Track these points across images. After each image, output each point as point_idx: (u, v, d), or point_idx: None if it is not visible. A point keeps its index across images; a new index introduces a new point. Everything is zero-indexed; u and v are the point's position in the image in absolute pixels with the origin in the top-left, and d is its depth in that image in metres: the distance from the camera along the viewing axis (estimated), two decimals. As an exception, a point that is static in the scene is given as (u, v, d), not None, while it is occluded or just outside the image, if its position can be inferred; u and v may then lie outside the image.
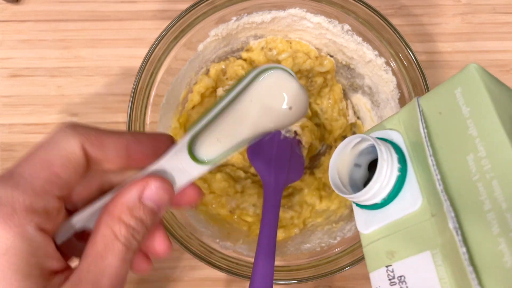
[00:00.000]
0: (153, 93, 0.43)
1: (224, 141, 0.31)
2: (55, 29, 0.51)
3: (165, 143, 0.31)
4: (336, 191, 0.26)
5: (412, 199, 0.24)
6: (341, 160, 0.26)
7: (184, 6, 0.43)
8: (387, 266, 0.25)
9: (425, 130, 0.23)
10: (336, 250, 0.43)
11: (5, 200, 0.24)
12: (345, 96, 0.50)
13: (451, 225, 0.21)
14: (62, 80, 0.51)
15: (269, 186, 0.44)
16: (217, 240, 0.44)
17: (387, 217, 0.24)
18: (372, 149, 0.26)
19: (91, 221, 0.30)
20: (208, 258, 0.42)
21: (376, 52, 0.44)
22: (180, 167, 0.31)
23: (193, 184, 0.31)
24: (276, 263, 0.41)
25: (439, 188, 0.22)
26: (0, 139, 0.50)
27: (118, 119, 0.50)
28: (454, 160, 0.22)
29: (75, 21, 0.51)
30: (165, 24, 0.42)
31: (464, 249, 0.20)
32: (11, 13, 0.51)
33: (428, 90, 0.41)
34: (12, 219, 0.24)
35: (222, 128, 0.31)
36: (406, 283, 0.23)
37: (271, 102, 0.30)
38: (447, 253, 0.22)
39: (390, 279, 0.24)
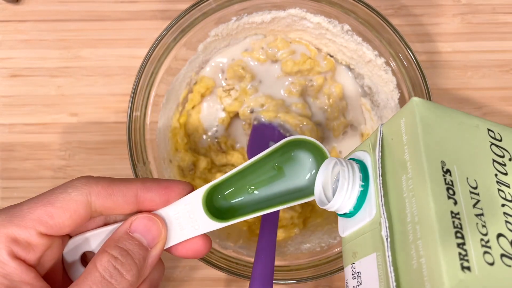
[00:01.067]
0: (153, 93, 0.43)
1: (246, 204, 0.32)
2: (55, 29, 0.51)
3: (179, 191, 0.31)
4: (318, 203, 0.30)
5: (370, 210, 0.28)
6: (324, 178, 0.30)
7: (184, 6, 0.43)
8: (351, 264, 0.29)
9: (380, 154, 0.28)
10: (336, 250, 0.43)
11: None
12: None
13: (383, 233, 0.26)
14: (62, 80, 0.51)
15: None
16: (217, 240, 0.44)
17: (355, 224, 0.29)
18: None
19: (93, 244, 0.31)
20: (208, 258, 0.42)
21: (376, 52, 0.44)
22: (191, 216, 0.31)
23: (203, 235, 0.32)
24: (276, 262, 0.41)
25: (381, 202, 0.26)
26: (0, 139, 0.50)
27: (118, 119, 0.50)
28: (395, 180, 0.26)
29: (75, 21, 0.51)
30: (165, 24, 0.42)
31: (389, 253, 0.25)
32: (11, 13, 0.51)
33: (428, 90, 0.41)
34: None
35: (244, 191, 0.32)
36: (361, 278, 0.28)
37: (298, 178, 0.32)
38: (383, 256, 0.26)
39: (352, 274, 0.29)
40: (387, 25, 0.42)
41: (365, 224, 0.28)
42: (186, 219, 0.31)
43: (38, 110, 0.51)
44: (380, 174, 0.27)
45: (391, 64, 0.43)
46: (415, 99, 0.26)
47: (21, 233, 0.27)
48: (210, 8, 0.42)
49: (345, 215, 0.29)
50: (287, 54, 0.48)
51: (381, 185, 0.27)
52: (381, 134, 0.28)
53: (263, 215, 0.41)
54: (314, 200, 0.48)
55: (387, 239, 0.25)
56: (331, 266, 0.42)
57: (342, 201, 0.28)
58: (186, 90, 0.48)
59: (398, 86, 0.43)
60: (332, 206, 0.29)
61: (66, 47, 0.51)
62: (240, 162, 0.49)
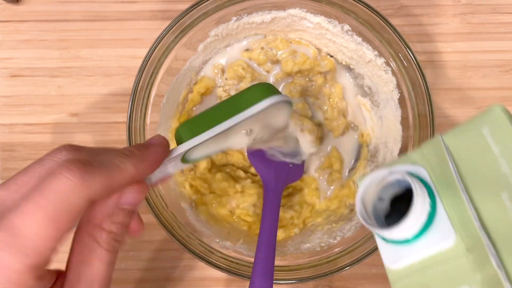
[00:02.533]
0: (153, 93, 0.43)
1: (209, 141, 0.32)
2: (55, 29, 0.51)
3: (164, 149, 0.31)
4: (364, 224, 0.26)
5: (443, 234, 0.24)
6: (366, 193, 0.26)
7: (184, 6, 0.43)
8: None
9: (455, 168, 0.24)
10: (336, 250, 0.43)
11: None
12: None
13: (494, 262, 0.22)
14: (63, 80, 0.51)
15: (269, 185, 0.44)
16: (217, 240, 0.44)
17: (418, 252, 0.25)
18: (396, 183, 0.26)
19: None
20: (208, 258, 0.42)
21: (376, 52, 0.44)
22: (167, 165, 0.32)
23: (138, 218, 0.32)
24: (276, 262, 0.41)
25: (477, 224, 0.23)
26: (0, 139, 0.50)
27: (119, 119, 0.50)
28: (488, 197, 0.23)
29: (75, 21, 0.51)
30: (165, 24, 0.42)
31: (508, 285, 0.21)
32: (11, 13, 0.52)
33: (428, 90, 0.41)
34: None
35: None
36: None
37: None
38: None
39: None
40: (387, 25, 0.42)
41: (438, 252, 0.24)
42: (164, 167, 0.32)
43: (39, 110, 0.51)
44: (464, 190, 0.24)
45: (391, 64, 0.43)
46: (499, 106, 0.24)
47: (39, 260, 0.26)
48: (210, 8, 0.42)
49: (399, 241, 0.25)
50: (287, 54, 0.48)
51: (470, 203, 0.23)
52: (447, 146, 0.25)
53: (262, 217, 0.41)
54: (313, 200, 0.48)
55: (500, 268, 0.21)
56: (331, 266, 0.42)
57: (412, 223, 0.24)
58: (186, 90, 0.48)
59: (398, 86, 0.43)
60: (400, 230, 0.24)
61: (66, 47, 0.51)
62: (240, 162, 0.49)
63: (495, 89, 0.52)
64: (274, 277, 0.39)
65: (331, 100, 0.49)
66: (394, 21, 0.42)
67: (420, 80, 0.42)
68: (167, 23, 0.42)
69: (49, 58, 0.51)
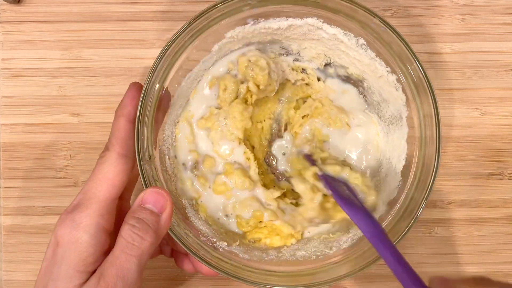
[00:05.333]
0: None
1: None
2: (57, 30, 0.51)
3: None
4: None
5: None
6: None
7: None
8: None
9: None
10: (333, 259, 0.43)
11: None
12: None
13: None
14: (64, 81, 0.51)
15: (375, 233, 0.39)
16: (214, 239, 0.44)
17: None
18: None
19: None
20: (206, 257, 0.42)
21: (388, 69, 0.43)
22: None
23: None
24: (272, 268, 0.41)
25: None
26: (1, 139, 0.51)
27: (119, 120, 0.51)
28: None
29: (76, 22, 0.51)
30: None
31: None
32: (12, 14, 0.51)
33: (437, 113, 0.41)
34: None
35: None
36: None
37: None
38: None
39: None
40: (402, 43, 0.41)
41: None
42: None
43: (40, 111, 0.51)
44: None
45: (402, 81, 0.42)
46: None
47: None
48: (228, 10, 0.41)
49: None
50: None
51: None
52: None
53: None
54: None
55: None
56: (327, 275, 0.42)
57: None
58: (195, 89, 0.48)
59: (408, 104, 0.43)
60: None
61: (68, 48, 0.51)
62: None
63: (493, 90, 0.52)
64: (269, 282, 0.41)
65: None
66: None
67: (431, 103, 0.41)
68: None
69: (50, 58, 0.51)
